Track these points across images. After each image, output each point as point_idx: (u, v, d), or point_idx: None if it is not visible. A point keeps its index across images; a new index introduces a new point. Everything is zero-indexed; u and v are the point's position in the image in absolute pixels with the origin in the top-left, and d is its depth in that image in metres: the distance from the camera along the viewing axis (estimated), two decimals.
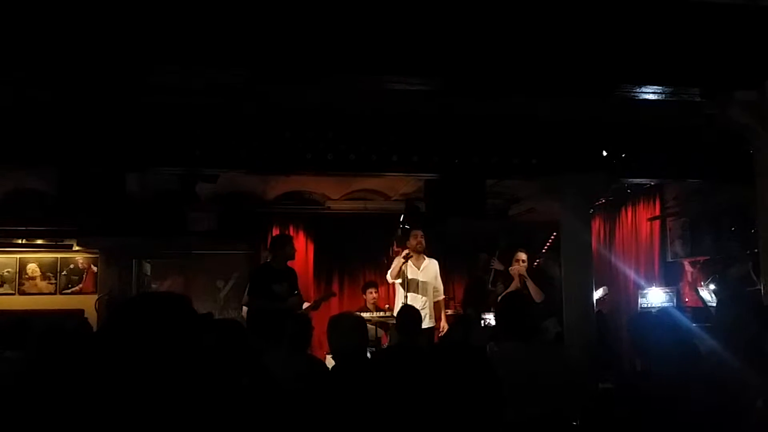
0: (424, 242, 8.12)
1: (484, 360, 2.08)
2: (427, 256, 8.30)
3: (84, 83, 5.54)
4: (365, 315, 7.22)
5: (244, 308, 8.10)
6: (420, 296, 7.97)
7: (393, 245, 8.79)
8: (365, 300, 9.24)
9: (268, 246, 8.53)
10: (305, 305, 8.75)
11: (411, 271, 8.01)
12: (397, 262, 8.11)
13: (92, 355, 2.00)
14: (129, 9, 4.45)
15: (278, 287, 7.49)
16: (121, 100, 6.06)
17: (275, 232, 10.49)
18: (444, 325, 8.30)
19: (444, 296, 8.56)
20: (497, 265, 8.66)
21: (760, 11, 5.19)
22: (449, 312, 8.97)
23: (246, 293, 8.02)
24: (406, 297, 7.80)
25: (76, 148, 6.20)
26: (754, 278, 6.94)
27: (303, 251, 10.61)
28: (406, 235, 8.27)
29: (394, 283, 8.36)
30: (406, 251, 7.98)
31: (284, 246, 7.89)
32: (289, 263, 7.90)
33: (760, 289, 5.59)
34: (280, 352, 5.08)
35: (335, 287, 10.93)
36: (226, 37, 4.60)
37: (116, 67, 4.80)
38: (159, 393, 1.72)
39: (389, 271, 8.29)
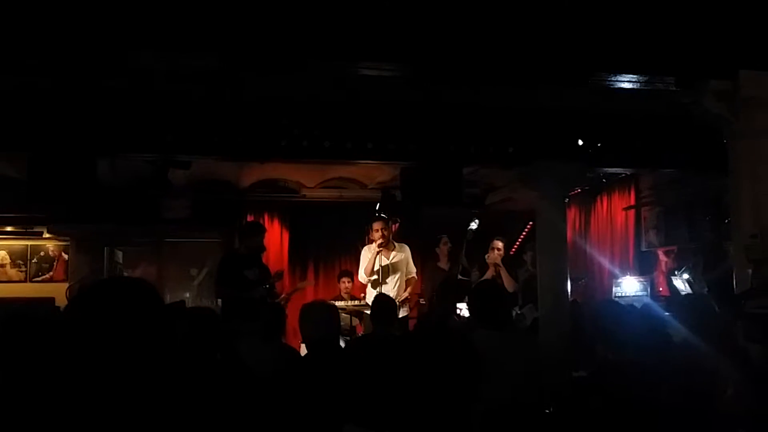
0: (386, 233, 8.05)
1: (463, 342, 2.05)
2: (397, 242, 8.27)
3: (55, 67, 5.44)
4: (339, 304, 7.18)
5: None
6: (392, 287, 7.95)
7: (368, 234, 8.74)
8: (340, 289, 9.19)
9: (238, 232, 8.46)
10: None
11: (381, 262, 7.99)
12: (367, 256, 8.09)
13: (60, 340, 1.96)
14: None
15: (250, 272, 7.43)
16: (93, 85, 5.96)
17: (249, 219, 10.43)
18: (410, 291, 8.35)
19: (414, 277, 8.47)
20: (462, 260, 8.61)
21: (735, 2, 5.22)
22: (422, 301, 8.94)
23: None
24: (378, 290, 7.77)
25: (46, 134, 6.10)
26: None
27: (278, 240, 10.56)
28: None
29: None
30: (380, 241, 7.95)
31: (255, 235, 7.79)
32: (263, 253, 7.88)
33: (733, 278, 5.63)
34: (253, 340, 5.05)
35: (310, 275, 10.88)
36: (200, 23, 4.55)
37: (88, 51, 4.73)
38: (127, 379, 1.68)
39: (361, 270, 8.23)
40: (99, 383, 1.68)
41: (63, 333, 1.76)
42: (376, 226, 8.04)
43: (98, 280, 1.93)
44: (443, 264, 9.01)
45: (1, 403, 2.46)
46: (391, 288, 7.90)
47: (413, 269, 8.40)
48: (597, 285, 9.81)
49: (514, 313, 7.66)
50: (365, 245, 8.52)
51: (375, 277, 7.99)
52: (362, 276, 8.25)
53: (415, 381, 1.96)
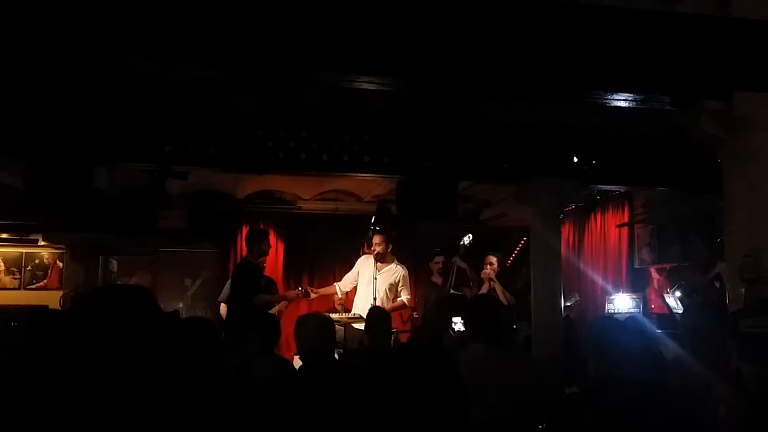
0: (384, 247, 8.10)
1: (450, 365, 2.08)
2: (398, 262, 8.25)
3: (53, 74, 5.46)
4: (333, 316, 7.19)
5: (223, 306, 8.10)
6: (370, 297, 7.97)
7: (363, 247, 8.77)
8: (333, 301, 9.18)
9: (244, 240, 8.53)
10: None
11: (368, 271, 8.05)
12: (358, 265, 8.20)
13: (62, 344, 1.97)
14: None
15: (262, 282, 7.60)
16: (92, 94, 5.98)
17: (245, 231, 10.44)
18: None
19: (403, 302, 8.26)
20: (460, 264, 8.62)
21: (730, 23, 5.28)
22: (416, 315, 8.94)
23: (225, 290, 8.16)
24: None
25: (44, 141, 6.10)
26: (720, 285, 7.03)
27: (273, 251, 10.56)
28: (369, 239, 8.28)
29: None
30: (377, 253, 8.01)
31: (260, 241, 7.91)
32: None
33: (726, 296, 5.66)
34: (248, 352, 5.05)
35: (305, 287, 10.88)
36: (198, 32, 4.57)
37: (86, 59, 4.74)
38: (123, 384, 1.69)
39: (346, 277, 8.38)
40: (96, 387, 1.69)
41: (63, 337, 1.78)
42: (378, 239, 8.09)
43: (99, 286, 1.96)
44: (436, 279, 9.04)
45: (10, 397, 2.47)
46: (366, 297, 7.95)
47: (405, 294, 8.22)
48: (590, 302, 9.82)
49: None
50: (359, 256, 8.57)
51: (354, 285, 8.15)
52: (342, 283, 8.41)
53: (405, 397, 1.97)
